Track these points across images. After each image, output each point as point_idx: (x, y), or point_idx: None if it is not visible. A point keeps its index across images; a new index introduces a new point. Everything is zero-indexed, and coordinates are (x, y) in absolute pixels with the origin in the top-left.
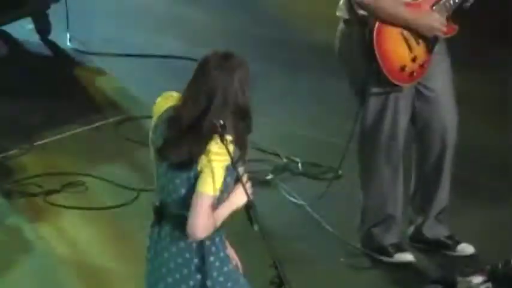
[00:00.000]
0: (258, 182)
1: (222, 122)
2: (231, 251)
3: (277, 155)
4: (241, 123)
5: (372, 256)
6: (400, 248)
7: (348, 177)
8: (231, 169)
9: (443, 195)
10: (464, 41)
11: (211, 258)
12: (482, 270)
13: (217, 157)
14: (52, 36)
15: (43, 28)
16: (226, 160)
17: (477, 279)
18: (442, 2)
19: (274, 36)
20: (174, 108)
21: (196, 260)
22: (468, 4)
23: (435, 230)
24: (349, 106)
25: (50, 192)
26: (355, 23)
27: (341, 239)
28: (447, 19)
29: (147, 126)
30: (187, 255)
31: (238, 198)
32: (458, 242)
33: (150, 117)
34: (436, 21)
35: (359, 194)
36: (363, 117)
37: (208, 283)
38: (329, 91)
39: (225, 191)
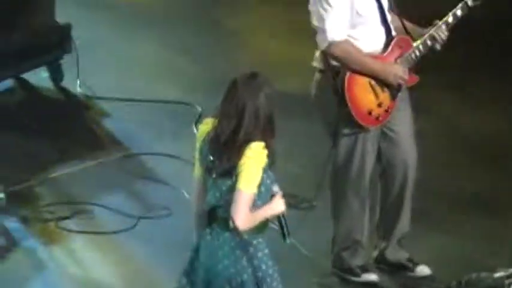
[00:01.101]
0: None
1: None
2: None
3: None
4: (268, 131)
5: (341, 276)
6: (366, 269)
7: (321, 208)
8: (269, 173)
9: (404, 223)
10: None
11: (259, 254)
12: None
13: (253, 158)
14: (64, 83)
15: (56, 76)
16: (262, 161)
17: None
18: (405, 55)
19: None
20: (213, 128)
21: (246, 257)
22: (438, 47)
23: (397, 254)
24: (320, 146)
25: (61, 219)
26: (329, 73)
27: (314, 261)
28: (409, 70)
29: (146, 161)
30: (237, 252)
31: (277, 205)
32: (416, 264)
33: (148, 153)
34: (400, 71)
35: (331, 222)
36: (335, 154)
37: (259, 274)
38: (302, 132)
39: (266, 192)
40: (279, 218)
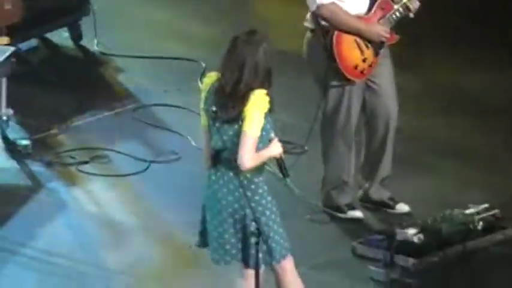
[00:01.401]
0: None
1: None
2: None
3: (290, 142)
4: (266, 82)
5: (330, 213)
6: (352, 207)
7: (312, 152)
8: (268, 119)
9: (386, 166)
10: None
11: (260, 191)
12: (416, 224)
13: (257, 104)
14: (83, 42)
15: (76, 36)
16: (265, 108)
17: (411, 230)
18: (386, 16)
19: None
20: (217, 80)
21: (249, 193)
22: (411, 15)
23: (379, 193)
24: (311, 98)
25: (81, 163)
26: (319, 32)
27: (306, 200)
28: (391, 30)
29: (156, 112)
30: (241, 189)
31: (275, 147)
32: (397, 202)
33: (159, 104)
34: (382, 31)
35: (321, 165)
36: (325, 105)
37: (260, 209)
38: (295, 86)
39: (267, 135)
40: (277, 160)
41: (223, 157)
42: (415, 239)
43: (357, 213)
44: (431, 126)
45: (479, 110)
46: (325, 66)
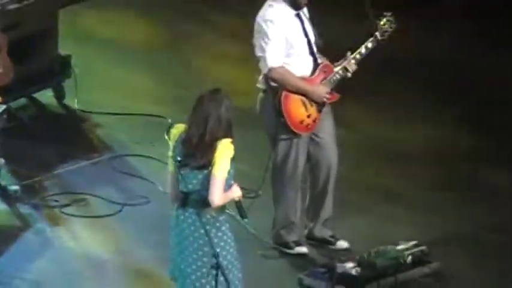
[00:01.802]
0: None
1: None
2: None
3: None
4: (228, 132)
5: (279, 249)
6: (298, 244)
7: (264, 197)
8: (233, 164)
9: (328, 208)
10: None
11: (223, 228)
12: (354, 258)
13: (224, 151)
14: (65, 101)
15: (59, 95)
16: (230, 154)
17: (350, 264)
18: (327, 78)
19: None
20: (184, 132)
21: (214, 230)
22: (349, 75)
23: (322, 232)
24: (263, 150)
25: (63, 206)
26: (270, 92)
27: (259, 238)
28: (331, 90)
29: (128, 161)
30: (207, 227)
31: (236, 190)
32: (337, 240)
33: (133, 155)
34: (324, 92)
35: (272, 208)
36: (275, 156)
37: (221, 244)
38: (249, 138)
39: (230, 179)
40: (236, 202)
41: (191, 199)
42: (353, 272)
43: (303, 249)
44: (366, 174)
45: (403, 158)
46: (275, 121)
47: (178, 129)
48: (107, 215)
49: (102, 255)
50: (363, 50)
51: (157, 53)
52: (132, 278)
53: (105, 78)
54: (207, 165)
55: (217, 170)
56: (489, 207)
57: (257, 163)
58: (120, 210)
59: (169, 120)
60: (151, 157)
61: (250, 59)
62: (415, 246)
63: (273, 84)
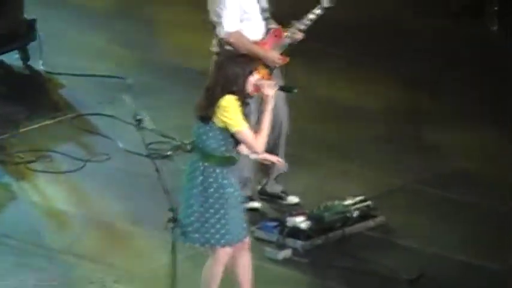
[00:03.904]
0: (161, 156)
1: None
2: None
3: (174, 138)
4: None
5: None
6: (251, 199)
7: None
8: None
9: (279, 165)
10: None
11: (220, 180)
12: (304, 213)
13: (231, 108)
14: (30, 62)
15: (25, 57)
16: (237, 107)
17: (299, 218)
18: (278, 42)
19: (173, 63)
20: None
21: (211, 180)
22: (295, 42)
23: (274, 187)
24: None
25: (29, 162)
26: (224, 55)
27: None
28: (281, 54)
29: (90, 120)
30: (205, 171)
31: (268, 91)
32: (288, 195)
33: (92, 114)
34: (276, 56)
35: None
36: None
37: (216, 195)
38: None
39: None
40: (279, 88)
41: (197, 147)
42: (303, 225)
43: (255, 204)
44: (316, 131)
45: (352, 116)
46: None
47: None
48: (70, 171)
49: (65, 209)
50: (310, 16)
51: (119, 17)
52: (94, 230)
53: (69, 42)
54: (206, 118)
55: (236, 126)
56: (430, 161)
57: None
58: (82, 166)
59: (129, 81)
60: (112, 116)
61: (206, 24)
62: (362, 201)
63: (227, 47)
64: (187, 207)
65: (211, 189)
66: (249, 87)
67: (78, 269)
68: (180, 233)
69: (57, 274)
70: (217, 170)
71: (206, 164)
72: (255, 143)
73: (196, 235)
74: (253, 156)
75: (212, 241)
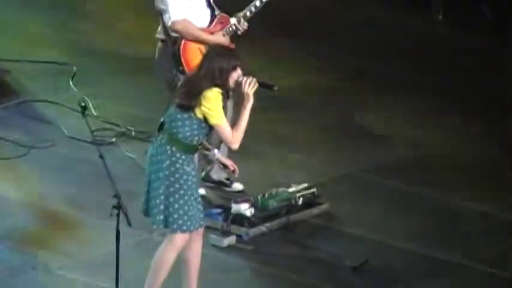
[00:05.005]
0: (105, 143)
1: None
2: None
3: (118, 125)
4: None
5: None
6: None
7: None
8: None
9: (223, 152)
10: None
11: (185, 167)
12: (248, 200)
13: (213, 100)
14: None
15: None
16: (219, 102)
17: (244, 205)
18: (225, 29)
19: (116, 50)
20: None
21: (177, 165)
22: (239, 32)
23: (218, 174)
24: (162, 96)
25: None
26: (169, 42)
27: None
28: (230, 40)
29: (35, 107)
30: (172, 156)
31: (247, 89)
32: (233, 182)
33: (37, 100)
34: (223, 41)
35: None
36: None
37: (185, 177)
38: (150, 86)
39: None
40: (259, 84)
41: (166, 128)
42: (247, 212)
43: (201, 191)
44: (261, 120)
45: (295, 105)
46: (173, 69)
47: None
48: (14, 157)
49: (10, 195)
50: (256, 3)
51: (62, 4)
52: (38, 217)
53: (11, 27)
54: (187, 107)
55: (216, 119)
56: (375, 150)
57: (154, 108)
58: (26, 153)
59: (74, 68)
60: (56, 103)
61: (151, 10)
62: (306, 188)
63: (173, 34)
64: (153, 190)
65: (177, 175)
66: (231, 82)
67: (21, 255)
68: (143, 212)
69: None
70: (183, 156)
71: (174, 148)
72: (231, 138)
73: (159, 217)
74: (211, 155)
75: (174, 226)
